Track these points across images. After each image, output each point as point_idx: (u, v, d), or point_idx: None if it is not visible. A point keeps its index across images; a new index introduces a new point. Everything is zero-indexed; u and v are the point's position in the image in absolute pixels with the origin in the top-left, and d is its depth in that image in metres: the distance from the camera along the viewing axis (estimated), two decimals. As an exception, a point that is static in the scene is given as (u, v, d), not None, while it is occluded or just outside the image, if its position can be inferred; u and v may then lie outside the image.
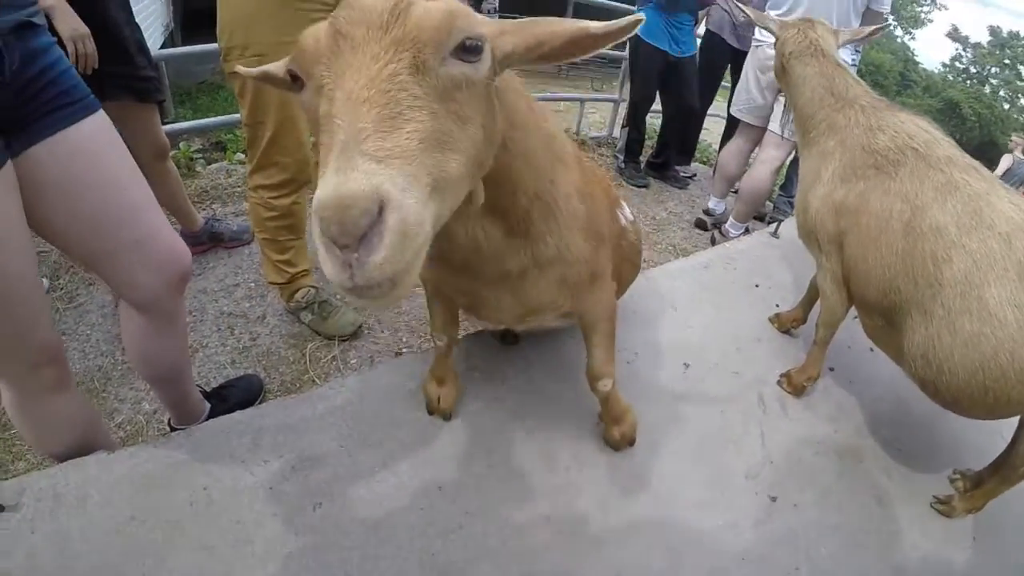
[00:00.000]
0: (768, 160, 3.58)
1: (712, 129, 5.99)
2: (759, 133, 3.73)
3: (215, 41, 1.98)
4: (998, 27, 35.78)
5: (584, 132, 5.80)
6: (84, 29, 1.92)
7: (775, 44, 2.11)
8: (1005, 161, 7.48)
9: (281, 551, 1.34)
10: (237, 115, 3.95)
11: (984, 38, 36.43)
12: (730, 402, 1.91)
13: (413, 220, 0.63)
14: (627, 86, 5.01)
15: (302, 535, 1.38)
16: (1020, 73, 34.52)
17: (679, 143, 4.95)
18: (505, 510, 1.51)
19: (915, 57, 36.48)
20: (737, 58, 4.42)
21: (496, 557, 1.41)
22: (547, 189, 1.15)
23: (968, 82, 35.44)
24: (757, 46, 3.51)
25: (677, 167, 5.01)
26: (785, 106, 2.20)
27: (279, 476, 1.49)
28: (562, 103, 7.15)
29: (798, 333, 2.26)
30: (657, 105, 4.82)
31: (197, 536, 1.35)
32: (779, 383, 2.01)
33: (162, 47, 6.46)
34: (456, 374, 1.73)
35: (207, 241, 2.87)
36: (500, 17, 3.10)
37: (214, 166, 3.85)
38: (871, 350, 2.01)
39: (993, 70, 35.57)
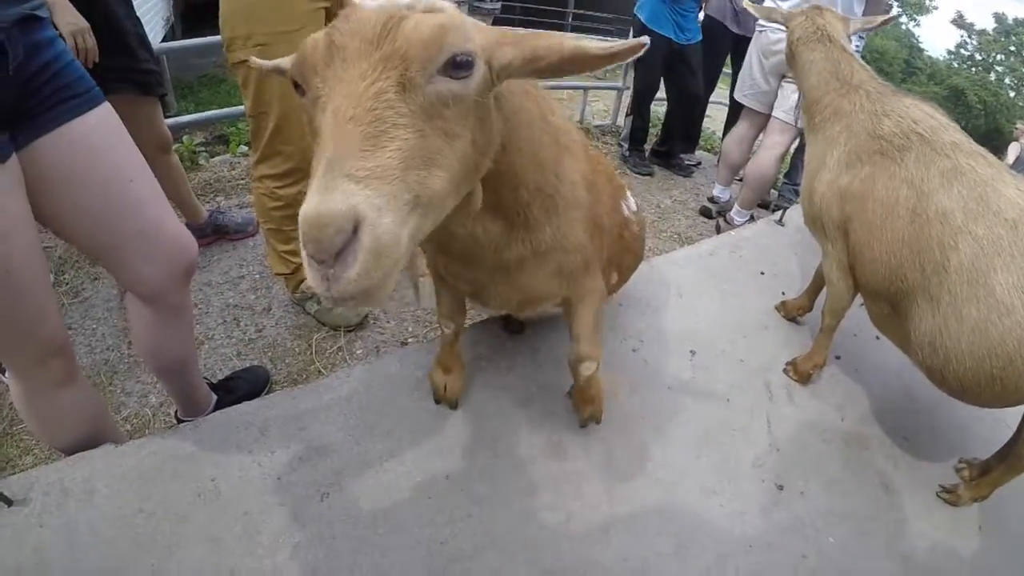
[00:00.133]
0: (773, 146, 3.56)
1: (715, 116, 5.96)
2: (763, 119, 3.71)
3: (216, 34, 1.98)
4: (1003, 14, 35.55)
5: (588, 120, 5.78)
6: (83, 23, 1.91)
7: (786, 32, 2.11)
8: (1014, 149, 7.40)
9: (289, 542, 1.35)
10: (239, 108, 3.95)
11: (989, 25, 36.25)
12: (736, 390, 1.91)
13: (387, 240, 0.66)
14: (631, 74, 4.99)
15: (310, 525, 1.38)
16: (1026, 60, 34.32)
17: (684, 131, 4.93)
18: (512, 498, 1.51)
19: (920, 44, 36.29)
20: (738, 44, 4.40)
21: (504, 545, 1.41)
22: (550, 182, 1.14)
23: (973, 69, 35.24)
24: (761, 31, 3.49)
25: (682, 155, 4.99)
26: (799, 100, 2.20)
27: (286, 467, 1.50)
28: (565, 91, 7.13)
29: (804, 321, 2.25)
30: (661, 93, 4.80)
31: (205, 528, 1.35)
32: (785, 371, 2.01)
33: (163, 41, 6.44)
34: (462, 363, 1.73)
35: (211, 234, 2.87)
36: (502, 9, 3.08)
37: (217, 159, 3.85)
38: (877, 338, 2.01)
39: (998, 57, 35.34)
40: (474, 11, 2.81)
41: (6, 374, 1.41)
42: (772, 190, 4.35)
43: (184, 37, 6.97)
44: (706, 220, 4.15)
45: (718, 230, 3.86)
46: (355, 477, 1.49)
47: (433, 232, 0.80)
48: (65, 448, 1.49)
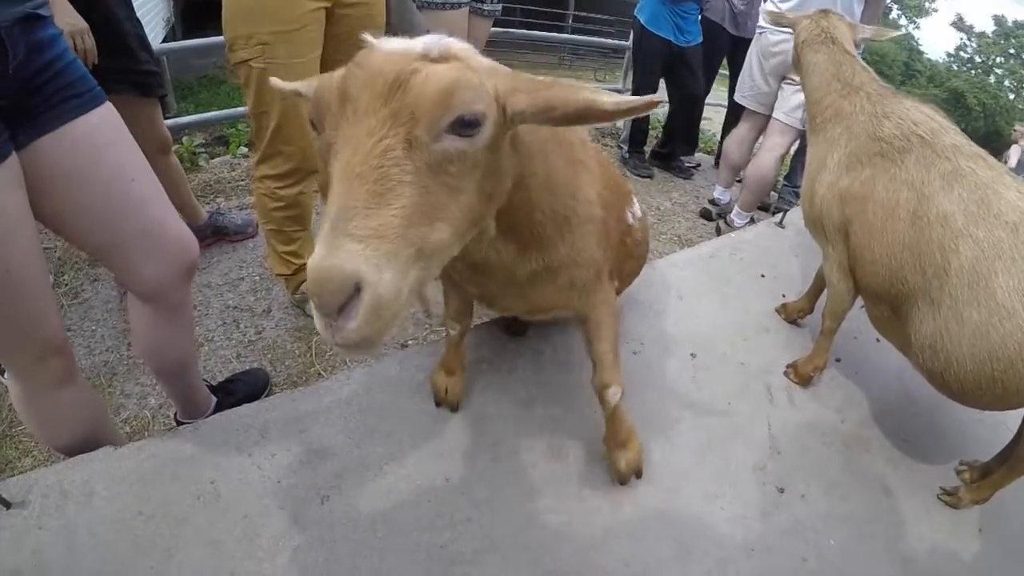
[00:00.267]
0: (772, 147, 3.56)
1: (713, 118, 5.96)
2: (763, 120, 3.71)
3: (216, 35, 1.98)
4: (1003, 16, 35.62)
5: (587, 123, 5.77)
6: (82, 24, 1.91)
7: (793, 35, 2.12)
8: (1015, 152, 7.39)
9: (289, 545, 1.34)
10: (239, 109, 3.97)
11: (989, 27, 36.28)
12: (737, 393, 1.91)
13: (387, 296, 0.70)
14: (631, 76, 4.99)
15: (310, 528, 1.38)
16: (1025, 62, 34.36)
17: (684, 133, 4.93)
18: (513, 502, 1.51)
19: (919, 47, 36.29)
20: (736, 46, 4.40)
21: (504, 549, 1.41)
22: (566, 203, 1.15)
23: (973, 72, 35.28)
24: (761, 33, 3.49)
25: (682, 157, 4.99)
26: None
27: (286, 469, 1.49)
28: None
29: (805, 323, 2.25)
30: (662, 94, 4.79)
31: (204, 530, 1.35)
32: (786, 373, 2.01)
33: (163, 41, 6.44)
34: (465, 365, 1.73)
35: (211, 235, 2.87)
36: (502, 11, 3.08)
37: (217, 160, 3.85)
38: (878, 340, 2.01)
39: (998, 60, 35.39)
40: (475, 13, 2.80)
41: (5, 375, 1.40)
42: (772, 192, 4.34)
43: (184, 38, 6.98)
44: (706, 222, 4.15)
45: (718, 232, 3.86)
46: (355, 480, 1.49)
47: None
48: (64, 449, 1.48)
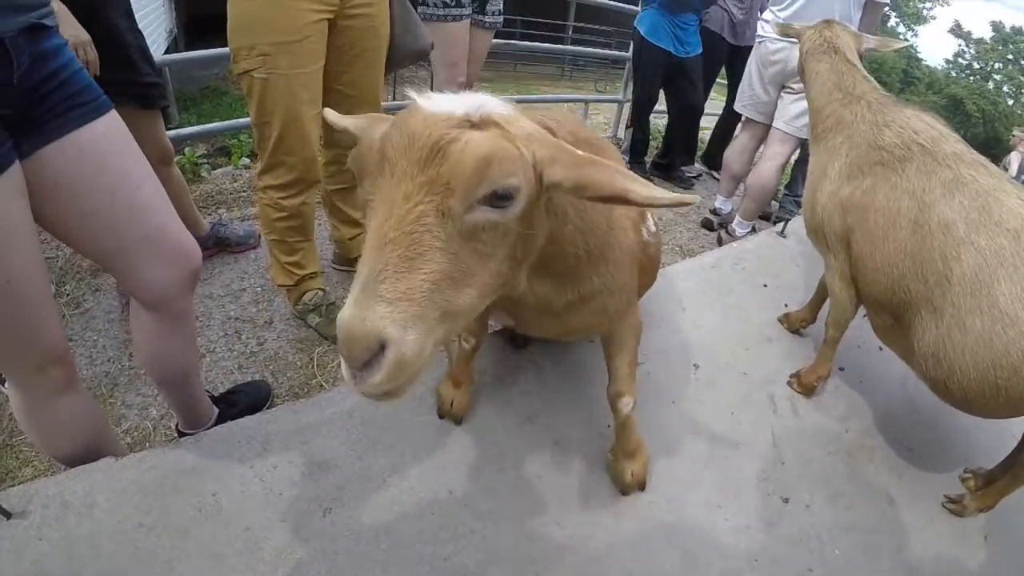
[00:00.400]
0: (773, 156, 3.57)
1: (710, 128, 5.96)
2: (764, 130, 3.72)
3: (218, 46, 2.00)
4: (1001, 23, 35.76)
5: (588, 133, 5.77)
6: (85, 36, 1.92)
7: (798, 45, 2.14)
8: (1015, 159, 7.39)
9: (291, 558, 1.34)
10: (241, 120, 3.97)
11: (987, 34, 36.42)
12: (740, 403, 1.90)
13: (410, 355, 0.73)
14: (631, 87, 5.00)
15: (312, 541, 1.37)
16: (1023, 68, 34.40)
17: (684, 143, 4.93)
18: (517, 514, 1.50)
19: (918, 54, 36.43)
20: (734, 56, 4.42)
21: (508, 562, 1.40)
22: (601, 238, 1.15)
23: (971, 78, 35.40)
24: (760, 41, 3.50)
25: (682, 167, 5.00)
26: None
27: (288, 482, 1.49)
28: (566, 105, 7.15)
29: (808, 333, 2.25)
30: (663, 105, 4.81)
31: (206, 543, 1.34)
32: (789, 383, 2.00)
33: (165, 52, 6.47)
34: (472, 378, 1.72)
35: (213, 246, 2.86)
36: (504, 18, 3.09)
37: (219, 171, 3.85)
38: (880, 349, 2.00)
39: (996, 66, 35.49)
40: (476, 25, 2.83)
41: (5, 384, 1.40)
42: (773, 202, 4.35)
43: (187, 49, 7.02)
44: (708, 232, 4.14)
45: (720, 242, 3.85)
46: (358, 492, 1.49)
47: None
48: (65, 459, 1.48)
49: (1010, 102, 33.23)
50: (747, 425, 1.84)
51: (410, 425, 1.66)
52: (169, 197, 1.41)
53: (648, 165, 4.99)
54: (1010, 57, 35.02)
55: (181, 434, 1.79)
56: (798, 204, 4.06)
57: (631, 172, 0.84)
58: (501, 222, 0.80)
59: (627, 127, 5.01)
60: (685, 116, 4.66)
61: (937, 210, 1.52)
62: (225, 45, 1.98)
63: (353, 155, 0.85)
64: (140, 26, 2.36)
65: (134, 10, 2.32)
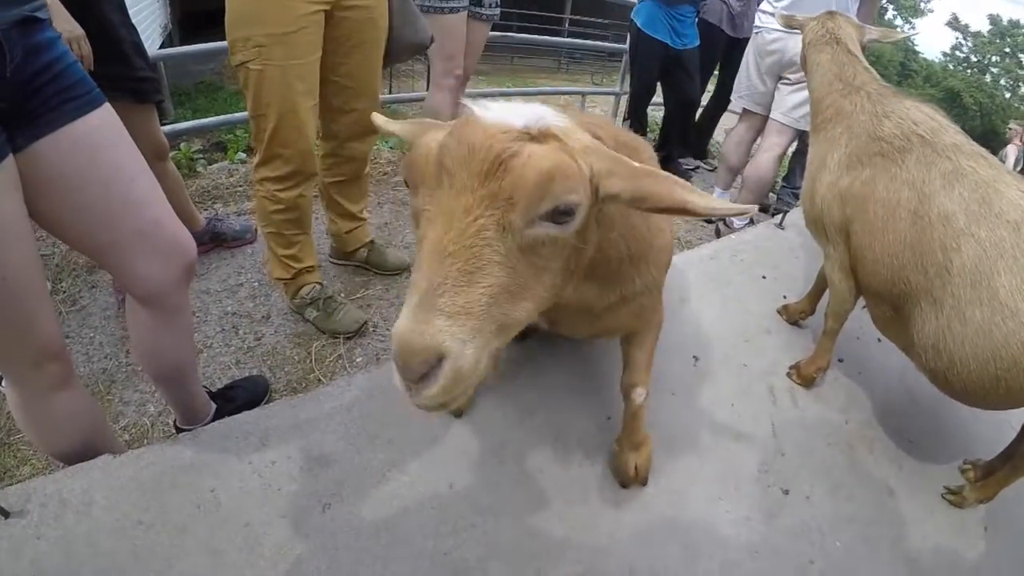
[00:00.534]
0: (770, 147, 3.56)
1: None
2: (761, 121, 3.70)
3: (212, 41, 1.99)
4: (998, 15, 35.66)
5: (585, 126, 5.76)
6: (79, 31, 1.90)
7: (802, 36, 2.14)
8: (1012, 151, 7.38)
9: (291, 554, 1.33)
10: (237, 115, 3.96)
11: (984, 27, 36.34)
12: (740, 395, 1.90)
13: (467, 368, 0.74)
14: (628, 79, 4.99)
15: (312, 537, 1.37)
16: (1021, 61, 34.38)
17: (681, 136, 4.93)
18: (517, 507, 1.50)
19: (915, 47, 36.36)
20: (732, 48, 4.40)
21: (509, 555, 1.40)
22: (644, 241, 1.16)
23: (969, 71, 35.34)
24: (757, 32, 3.48)
25: (679, 160, 4.99)
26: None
27: (287, 477, 1.48)
28: (563, 97, 7.13)
29: (807, 324, 2.24)
30: (659, 98, 4.80)
31: (205, 540, 1.34)
32: (789, 375, 2.00)
33: (160, 47, 6.44)
34: None
35: (209, 241, 2.85)
36: (500, 10, 3.08)
37: (215, 166, 3.83)
38: (879, 340, 2.00)
39: (993, 59, 35.44)
40: (473, 17, 2.80)
41: (2, 382, 1.39)
42: (771, 193, 4.34)
43: (181, 44, 6.97)
44: (706, 224, 4.14)
45: (718, 234, 3.85)
46: (357, 487, 1.48)
47: None
48: (62, 456, 1.47)
49: (1007, 95, 33.22)
50: (747, 417, 1.83)
51: (409, 419, 1.65)
52: (164, 192, 1.40)
53: (645, 158, 4.97)
54: (1007, 50, 34.94)
55: (179, 430, 1.78)
56: (796, 196, 4.05)
57: (685, 181, 0.84)
58: (560, 237, 0.80)
59: (624, 120, 5.00)
60: (681, 109, 4.66)
61: (937, 201, 1.52)
62: (220, 40, 1.97)
63: (406, 163, 0.85)
64: (134, 21, 2.34)
65: (128, 5, 2.30)
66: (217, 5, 1.92)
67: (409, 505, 1.46)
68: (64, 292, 2.58)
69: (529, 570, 1.38)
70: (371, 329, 2.54)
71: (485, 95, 6.03)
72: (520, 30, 11.88)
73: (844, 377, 2.06)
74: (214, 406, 1.83)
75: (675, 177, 0.84)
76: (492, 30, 3.21)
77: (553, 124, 0.81)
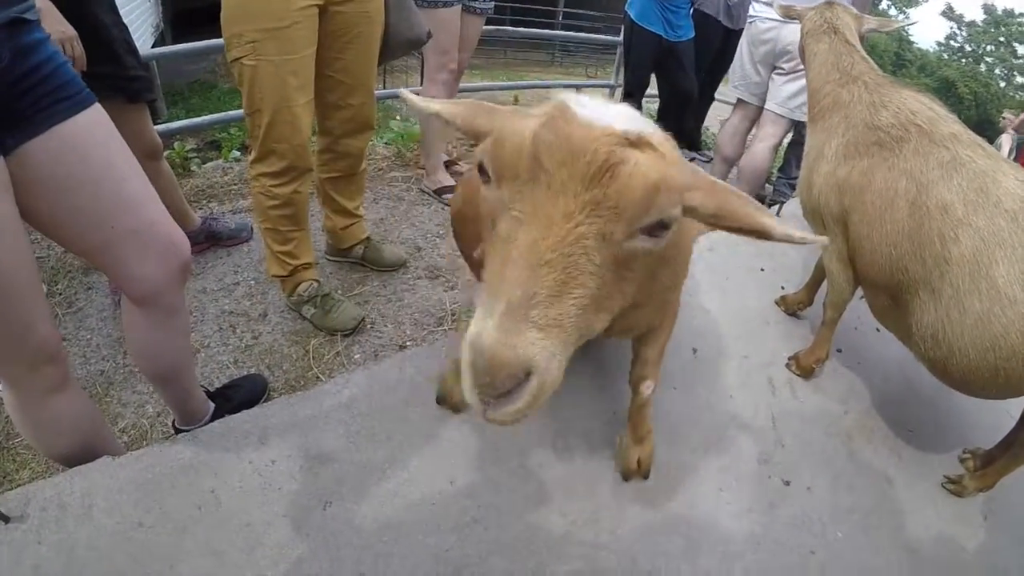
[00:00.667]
0: (765, 138, 3.55)
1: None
2: (756, 111, 3.69)
3: (206, 39, 1.97)
4: (992, 5, 35.63)
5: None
6: (71, 31, 1.89)
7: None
8: (1007, 140, 7.37)
9: (292, 553, 1.33)
10: (231, 113, 3.94)
11: (979, 16, 36.36)
12: (739, 386, 1.90)
13: (551, 383, 0.71)
14: (622, 72, 4.97)
15: (313, 535, 1.37)
16: (1015, 51, 34.40)
17: (676, 128, 4.90)
18: (518, 503, 1.50)
19: (910, 36, 36.31)
20: (729, 38, 4.39)
21: (510, 551, 1.40)
22: (676, 245, 1.14)
23: (963, 61, 35.35)
24: (751, 21, 3.47)
25: (675, 152, 4.97)
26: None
27: (287, 476, 1.48)
28: (556, 90, 7.10)
29: (805, 315, 2.24)
30: (653, 90, 4.78)
31: (206, 540, 1.34)
32: (788, 366, 2.00)
33: (153, 47, 6.41)
34: None
35: (204, 240, 2.84)
36: (494, 4, 3.07)
37: (210, 165, 3.81)
38: (878, 330, 2.00)
39: (988, 48, 35.45)
40: (467, 11, 2.79)
41: (0, 386, 1.39)
42: (767, 184, 4.34)
43: (174, 43, 6.95)
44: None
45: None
46: (357, 485, 1.48)
47: None
48: (61, 459, 1.47)
49: (1002, 84, 33.23)
50: (747, 409, 1.84)
51: (408, 416, 1.65)
52: (158, 192, 1.39)
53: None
54: (1002, 39, 34.93)
55: (178, 431, 1.77)
56: (792, 187, 4.05)
57: (758, 203, 0.82)
58: (654, 251, 0.78)
59: (619, 112, 4.97)
60: (676, 101, 4.63)
61: (935, 191, 1.51)
62: (212, 38, 1.96)
63: (487, 152, 0.79)
64: (126, 21, 2.33)
65: (119, 4, 2.29)
66: (209, 3, 1.90)
67: (410, 502, 1.46)
68: (60, 294, 2.56)
69: (531, 565, 1.38)
70: (369, 326, 2.54)
71: (480, 89, 6.00)
72: (514, 23, 11.86)
73: (843, 367, 2.06)
74: (212, 406, 1.83)
75: (748, 196, 0.82)
76: (486, 24, 3.20)
77: (647, 132, 0.78)
